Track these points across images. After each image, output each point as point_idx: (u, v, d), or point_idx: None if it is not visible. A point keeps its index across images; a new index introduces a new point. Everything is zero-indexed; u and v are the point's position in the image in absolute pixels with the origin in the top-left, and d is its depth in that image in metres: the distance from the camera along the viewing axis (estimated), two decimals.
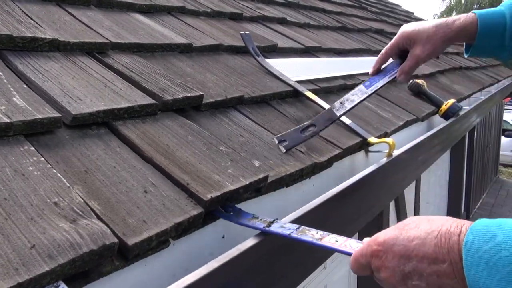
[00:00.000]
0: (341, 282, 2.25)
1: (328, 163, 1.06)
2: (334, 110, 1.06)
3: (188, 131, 0.87)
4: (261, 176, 0.80)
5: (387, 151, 1.25)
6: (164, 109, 0.91)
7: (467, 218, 5.74)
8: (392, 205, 2.67)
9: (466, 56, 1.01)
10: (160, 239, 0.60)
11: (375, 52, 2.44)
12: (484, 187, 6.96)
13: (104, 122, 0.79)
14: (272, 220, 0.72)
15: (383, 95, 1.80)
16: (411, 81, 2.01)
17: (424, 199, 4.21)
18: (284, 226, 0.70)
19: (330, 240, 0.63)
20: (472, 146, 5.48)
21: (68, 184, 0.61)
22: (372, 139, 1.23)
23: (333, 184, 1.15)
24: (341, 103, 1.07)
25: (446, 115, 1.91)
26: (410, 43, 0.97)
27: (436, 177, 4.42)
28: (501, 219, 0.50)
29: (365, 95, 1.04)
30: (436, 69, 2.73)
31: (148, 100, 0.88)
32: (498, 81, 3.91)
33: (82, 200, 0.59)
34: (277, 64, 1.49)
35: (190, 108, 0.99)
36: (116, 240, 0.54)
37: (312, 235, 0.66)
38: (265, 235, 0.69)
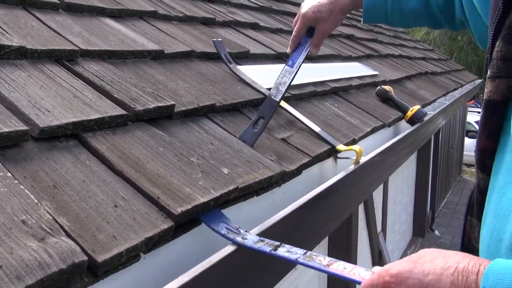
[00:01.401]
0: (312, 283, 2.30)
1: (298, 171, 1.09)
2: (272, 97, 1.16)
3: (159, 142, 0.88)
4: (231, 187, 0.81)
5: (355, 157, 1.29)
6: (135, 119, 0.91)
7: (433, 217, 5.96)
8: (361, 207, 2.75)
9: (362, 22, 1.19)
10: (130, 254, 0.60)
11: (345, 58, 2.50)
12: (449, 186, 7.24)
13: (73, 134, 0.79)
14: (279, 244, 0.72)
15: (353, 101, 1.85)
16: (379, 87, 2.07)
17: (392, 199, 4.35)
18: (291, 251, 0.70)
19: (338, 267, 0.63)
20: (438, 148, 5.69)
21: (36, 201, 0.60)
22: (340, 147, 1.27)
23: (303, 191, 1.18)
24: (276, 88, 1.16)
25: (411, 121, 1.98)
26: (314, 23, 1.13)
27: (403, 177, 4.57)
28: None
29: (293, 74, 1.17)
30: (404, 75, 2.83)
31: (118, 111, 0.88)
32: (462, 85, 4.08)
33: (51, 217, 0.59)
34: (249, 71, 1.51)
35: (161, 117, 1.00)
36: (85, 258, 0.54)
37: (320, 261, 0.66)
38: (236, 246, 0.71)
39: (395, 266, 0.54)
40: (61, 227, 0.58)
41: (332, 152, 1.29)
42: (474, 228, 0.70)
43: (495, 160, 0.63)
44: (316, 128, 1.30)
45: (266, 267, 0.85)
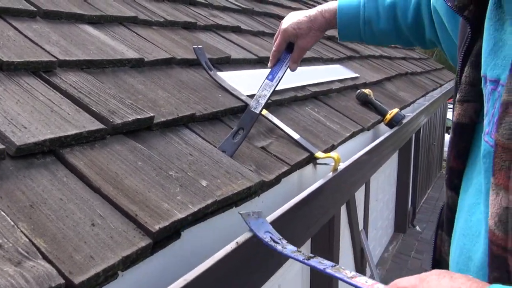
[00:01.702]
0: (295, 281, 2.33)
1: (277, 180, 1.11)
2: (252, 109, 1.18)
3: (138, 156, 0.89)
4: (209, 201, 0.83)
5: (333, 164, 1.32)
6: (113, 133, 0.92)
7: (414, 213, 6.08)
8: (343, 206, 2.80)
9: (339, 40, 1.21)
10: (107, 274, 0.61)
11: (326, 60, 2.53)
12: (430, 183, 7.39)
13: (50, 150, 0.79)
14: (313, 255, 0.79)
15: (333, 105, 1.88)
16: (359, 91, 2.11)
17: (374, 196, 4.42)
18: (322, 262, 0.77)
19: (361, 280, 0.68)
20: (418, 145, 5.80)
21: (12, 223, 0.61)
22: (319, 154, 1.29)
23: (282, 199, 1.20)
24: (256, 101, 1.19)
25: (390, 124, 2.02)
26: (294, 39, 1.17)
27: (385, 176, 4.65)
28: None
29: (273, 87, 1.21)
30: (384, 76, 2.87)
31: (97, 125, 0.88)
32: (441, 85, 4.16)
33: (27, 240, 0.59)
34: (230, 77, 1.52)
35: (140, 128, 1.00)
36: (62, 281, 0.55)
37: (346, 273, 0.71)
38: (212, 264, 0.72)
39: (403, 281, 0.57)
40: (38, 249, 0.59)
41: (311, 159, 1.31)
42: (444, 243, 0.73)
43: (463, 180, 0.66)
44: (296, 136, 1.32)
45: (255, 271, 0.89)
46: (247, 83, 1.56)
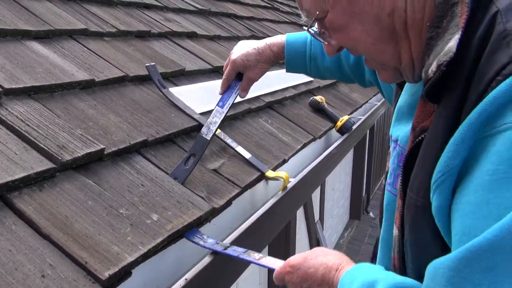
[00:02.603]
0: (252, 278, 2.42)
1: (228, 204, 1.16)
2: (203, 135, 1.22)
3: (88, 194, 0.90)
4: (159, 240, 0.87)
5: (282, 181, 1.39)
6: (63, 169, 0.93)
7: (368, 199, 6.38)
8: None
9: (286, 71, 1.29)
10: None
11: (282, 64, 2.58)
12: (383, 170, 7.72)
13: None
14: (229, 245, 1.00)
15: (286, 115, 1.94)
16: (311, 98, 2.18)
17: (330, 186, 4.60)
18: (236, 250, 0.99)
19: (266, 260, 0.93)
20: (373, 135, 6.04)
21: None
22: (269, 173, 1.36)
23: (234, 220, 1.26)
24: (207, 127, 1.23)
25: (341, 131, 2.12)
26: (242, 69, 1.22)
27: (340, 166, 4.82)
28: (359, 271, 0.70)
29: (224, 114, 1.24)
30: None
31: (45, 165, 0.89)
32: None
33: None
34: (183, 93, 1.54)
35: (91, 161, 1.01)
36: None
37: (254, 256, 0.95)
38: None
39: (293, 259, 0.79)
40: None
41: (262, 177, 1.37)
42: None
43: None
44: (247, 155, 1.37)
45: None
46: (201, 97, 1.59)
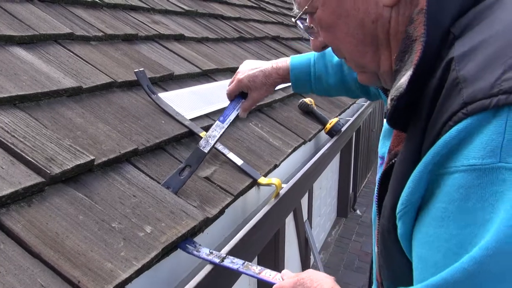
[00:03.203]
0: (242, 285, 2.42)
1: (221, 213, 1.15)
2: (201, 148, 1.20)
3: (78, 208, 0.88)
4: (153, 254, 0.85)
5: (275, 187, 1.38)
6: (52, 183, 0.90)
7: (355, 197, 6.43)
8: None
9: (292, 91, 1.27)
10: None
11: None
12: (369, 167, 7.81)
13: None
14: (225, 256, 0.99)
15: (276, 118, 1.94)
16: (301, 100, 2.18)
17: (317, 185, 4.62)
18: (234, 262, 0.98)
19: (266, 274, 0.93)
20: (359, 132, 6.09)
21: None
22: (261, 180, 1.35)
23: (227, 227, 1.25)
24: (206, 140, 1.22)
25: (330, 133, 2.12)
26: (247, 89, 1.21)
27: (328, 165, 4.86)
28: None
29: (223, 129, 1.23)
30: None
31: (33, 179, 0.86)
32: None
33: None
34: (173, 98, 1.51)
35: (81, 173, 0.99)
36: None
37: (253, 270, 0.95)
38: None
39: (285, 284, 0.84)
40: None
41: (254, 184, 1.36)
42: None
43: None
44: (239, 162, 1.36)
45: None
46: (191, 102, 1.57)
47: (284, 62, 1.19)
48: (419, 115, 0.57)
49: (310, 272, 0.83)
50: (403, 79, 0.60)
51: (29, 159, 0.90)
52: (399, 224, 0.57)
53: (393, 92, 0.61)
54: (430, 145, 0.52)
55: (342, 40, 0.70)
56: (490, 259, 0.44)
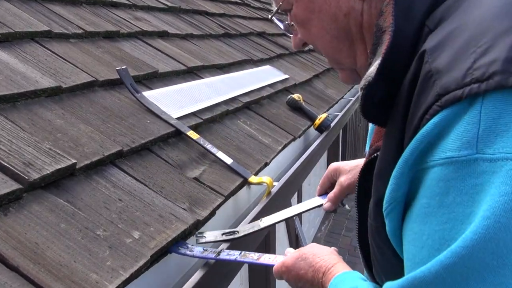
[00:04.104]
0: (233, 281, 2.37)
1: (211, 215, 1.10)
2: (260, 221, 1.07)
3: (60, 216, 0.83)
4: (141, 262, 0.80)
5: (266, 186, 1.34)
6: (30, 189, 0.84)
7: None
8: None
9: None
10: None
11: (257, 62, 2.53)
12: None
13: None
14: (220, 250, 0.96)
15: (265, 115, 1.90)
16: (289, 97, 2.14)
17: (306, 181, 4.60)
18: (230, 253, 0.94)
19: (265, 258, 0.90)
20: (346, 127, 6.10)
21: None
22: (252, 179, 1.31)
23: (218, 229, 1.20)
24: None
25: (319, 129, 2.09)
26: (336, 175, 1.02)
27: None
28: (343, 279, 0.72)
29: (291, 215, 1.05)
30: (312, 74, 2.95)
31: (10, 186, 0.80)
32: None
33: None
34: (158, 97, 1.46)
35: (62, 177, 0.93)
36: None
37: (252, 257, 0.92)
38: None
39: (287, 259, 0.82)
40: None
41: (245, 184, 1.32)
42: None
43: None
44: (228, 160, 1.32)
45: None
46: (177, 101, 1.51)
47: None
48: (397, 110, 0.56)
49: (312, 246, 0.83)
50: (372, 68, 0.59)
51: (5, 164, 0.84)
52: (386, 221, 0.56)
53: (362, 82, 0.60)
54: (410, 140, 0.51)
55: (317, 35, 0.70)
56: (469, 253, 0.43)
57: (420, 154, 0.49)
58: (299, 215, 1.06)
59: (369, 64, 0.62)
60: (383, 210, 0.56)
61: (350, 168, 1.00)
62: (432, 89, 0.49)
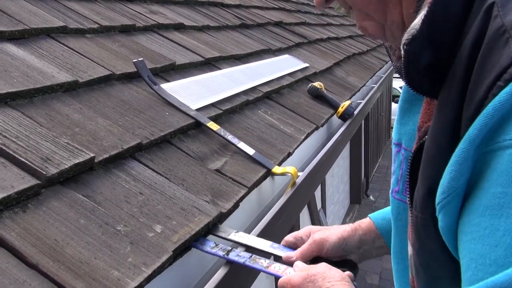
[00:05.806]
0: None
1: (235, 207, 1.06)
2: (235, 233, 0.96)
3: (79, 211, 0.80)
4: (164, 258, 0.77)
5: (291, 176, 1.29)
6: (49, 185, 0.82)
7: (367, 183, 6.32)
8: None
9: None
10: None
11: (275, 51, 2.47)
12: (380, 152, 7.69)
13: None
14: (230, 249, 0.89)
15: (285, 104, 1.84)
16: (310, 85, 2.08)
17: (329, 173, 4.52)
18: (240, 255, 0.87)
19: (275, 267, 0.82)
20: (368, 117, 5.97)
21: None
22: (276, 169, 1.26)
23: (242, 222, 1.16)
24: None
25: (342, 117, 2.02)
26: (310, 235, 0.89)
27: None
28: None
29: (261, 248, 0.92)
30: (333, 62, 2.86)
31: (27, 181, 0.78)
32: (386, 62, 4.24)
33: None
34: (176, 89, 1.42)
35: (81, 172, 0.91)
36: None
37: (261, 263, 0.84)
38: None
39: (294, 278, 0.70)
40: None
41: (269, 175, 1.27)
42: None
43: None
44: (251, 151, 1.27)
45: None
46: (196, 92, 1.48)
47: (363, 224, 0.91)
48: (453, 78, 0.47)
49: (323, 267, 0.70)
50: (416, 20, 0.50)
51: (23, 160, 0.82)
52: (440, 216, 0.47)
53: (405, 36, 0.50)
54: (473, 114, 0.42)
55: None
56: None
57: (490, 132, 0.41)
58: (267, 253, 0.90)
59: (414, 16, 0.52)
60: (437, 202, 0.47)
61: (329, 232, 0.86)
62: (505, 48, 0.40)
